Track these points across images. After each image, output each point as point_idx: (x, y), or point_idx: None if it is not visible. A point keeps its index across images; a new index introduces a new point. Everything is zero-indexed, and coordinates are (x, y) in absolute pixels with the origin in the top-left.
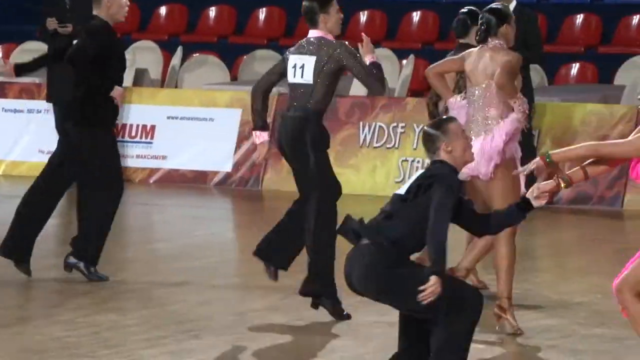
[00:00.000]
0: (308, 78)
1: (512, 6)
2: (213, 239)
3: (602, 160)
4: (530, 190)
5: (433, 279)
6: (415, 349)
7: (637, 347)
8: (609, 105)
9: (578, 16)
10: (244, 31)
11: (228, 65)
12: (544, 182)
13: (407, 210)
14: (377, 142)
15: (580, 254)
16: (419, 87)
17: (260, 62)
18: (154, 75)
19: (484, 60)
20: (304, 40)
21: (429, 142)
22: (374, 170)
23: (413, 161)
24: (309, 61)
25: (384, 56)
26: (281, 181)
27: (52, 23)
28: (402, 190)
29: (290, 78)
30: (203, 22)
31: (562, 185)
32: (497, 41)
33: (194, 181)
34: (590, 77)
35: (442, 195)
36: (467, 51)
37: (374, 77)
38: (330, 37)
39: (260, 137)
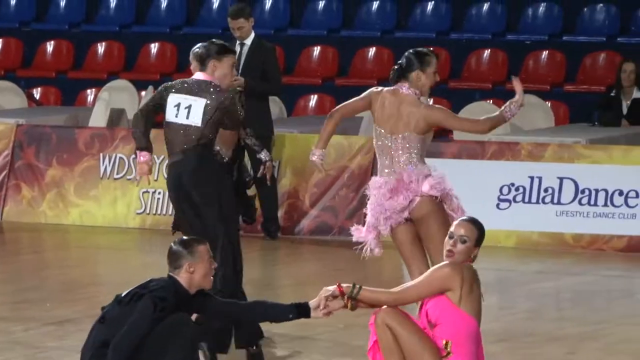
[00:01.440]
0: (195, 120)
1: (250, 39)
2: None
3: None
4: (317, 300)
5: None
6: None
7: None
8: (347, 137)
9: (315, 48)
10: None
11: None
12: (334, 301)
13: (118, 313)
14: (117, 174)
15: (322, 284)
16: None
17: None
18: None
19: (394, 107)
20: (188, 80)
21: (174, 259)
22: (115, 201)
23: (154, 192)
24: (197, 103)
25: (122, 87)
26: (21, 213)
27: None
28: (124, 292)
29: (171, 117)
30: None
31: (349, 308)
32: (409, 88)
33: None
34: (328, 109)
35: (142, 310)
36: (374, 91)
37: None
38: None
39: (143, 156)
